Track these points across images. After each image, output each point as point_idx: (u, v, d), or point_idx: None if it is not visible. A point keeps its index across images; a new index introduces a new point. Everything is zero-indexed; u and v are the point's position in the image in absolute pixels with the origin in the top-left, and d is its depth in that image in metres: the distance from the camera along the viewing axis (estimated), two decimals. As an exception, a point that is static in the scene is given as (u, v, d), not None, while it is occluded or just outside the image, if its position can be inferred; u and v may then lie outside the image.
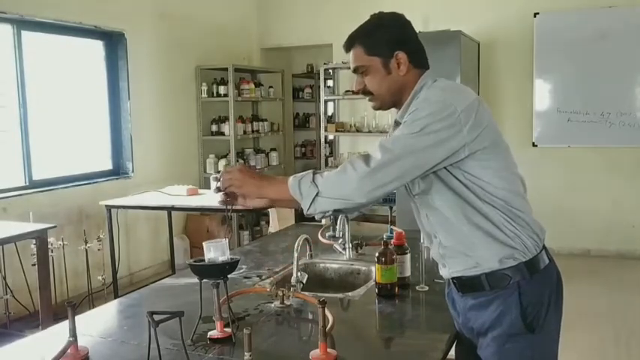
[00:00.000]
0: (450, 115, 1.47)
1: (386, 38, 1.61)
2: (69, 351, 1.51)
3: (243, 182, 1.60)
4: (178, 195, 4.63)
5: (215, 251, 1.62)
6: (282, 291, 1.92)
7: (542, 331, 1.56)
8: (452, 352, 1.66)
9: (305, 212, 1.53)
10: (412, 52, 1.62)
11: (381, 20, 1.65)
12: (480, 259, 1.57)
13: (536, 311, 1.55)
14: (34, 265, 3.62)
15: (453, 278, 1.65)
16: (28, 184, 4.46)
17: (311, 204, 1.50)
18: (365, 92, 1.66)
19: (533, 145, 5.95)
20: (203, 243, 1.64)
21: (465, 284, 1.62)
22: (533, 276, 1.55)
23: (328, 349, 1.48)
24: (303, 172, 1.55)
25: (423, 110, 1.49)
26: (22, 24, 4.39)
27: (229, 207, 1.66)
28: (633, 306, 4.45)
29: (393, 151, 1.48)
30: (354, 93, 1.69)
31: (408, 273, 2.07)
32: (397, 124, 1.62)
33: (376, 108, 1.69)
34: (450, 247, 1.62)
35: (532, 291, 1.56)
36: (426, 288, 2.05)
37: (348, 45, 1.65)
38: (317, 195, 1.50)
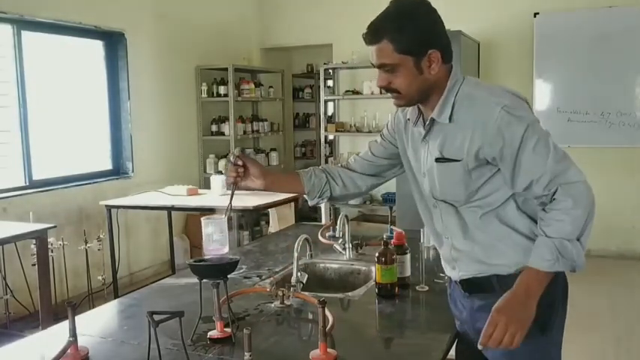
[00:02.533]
0: (529, 107, 1.50)
1: (418, 35, 1.47)
2: (69, 351, 1.51)
3: (520, 316, 1.41)
4: (178, 195, 4.63)
5: (213, 227, 1.62)
6: (282, 291, 1.92)
7: (551, 332, 1.55)
8: (452, 352, 1.66)
9: (581, 269, 1.43)
10: (444, 48, 1.50)
11: (411, 11, 1.48)
12: (497, 265, 1.55)
13: (548, 313, 1.54)
14: (34, 265, 3.62)
15: (461, 280, 1.63)
16: (28, 184, 4.46)
17: (583, 250, 1.42)
18: (389, 90, 1.53)
19: (534, 145, 5.94)
20: (202, 218, 1.62)
21: (474, 285, 1.60)
22: None
23: (328, 349, 1.48)
24: (542, 251, 1.41)
25: (522, 121, 1.43)
26: (22, 24, 4.39)
27: (233, 188, 1.70)
28: (634, 306, 4.45)
29: (568, 156, 1.46)
30: (380, 89, 1.57)
31: (408, 273, 2.06)
32: (433, 122, 1.54)
33: (401, 105, 1.61)
34: (466, 252, 1.59)
35: (544, 293, 1.53)
36: (426, 288, 2.05)
37: (374, 38, 1.49)
38: (579, 239, 1.41)
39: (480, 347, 1.43)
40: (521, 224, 1.53)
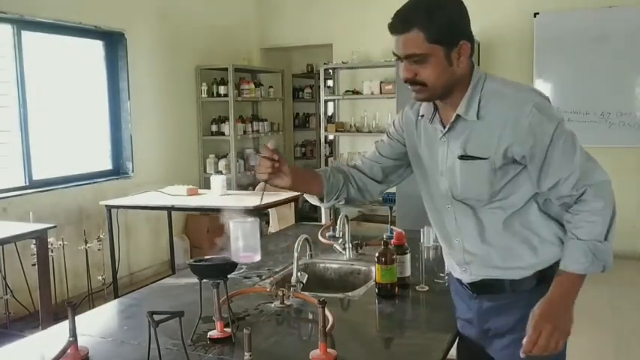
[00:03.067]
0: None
1: (450, 23, 1.42)
2: (69, 351, 1.51)
3: (563, 321, 1.42)
4: (178, 195, 4.63)
5: (244, 230, 1.42)
6: (282, 291, 1.92)
7: None
8: (452, 352, 1.66)
9: (609, 269, 1.44)
10: (471, 40, 1.46)
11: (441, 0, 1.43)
12: (513, 268, 1.53)
13: None
14: (34, 265, 3.62)
15: (471, 283, 1.60)
16: (28, 184, 4.46)
17: (611, 250, 1.43)
18: (414, 82, 1.45)
19: (534, 145, 5.94)
20: (230, 221, 1.46)
21: (484, 288, 1.58)
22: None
23: (328, 349, 1.48)
24: (575, 254, 1.41)
25: (552, 120, 1.43)
26: (22, 24, 4.39)
27: (266, 185, 1.58)
28: (635, 306, 4.45)
29: (592, 158, 1.46)
30: (405, 81, 1.47)
31: (408, 273, 2.06)
32: (458, 119, 1.48)
33: (421, 100, 1.52)
34: (480, 256, 1.55)
35: None
36: (426, 288, 2.05)
37: (403, 27, 1.41)
38: (606, 240, 1.42)
39: (522, 355, 1.41)
40: (544, 227, 1.51)
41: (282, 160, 1.55)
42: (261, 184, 1.60)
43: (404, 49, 1.42)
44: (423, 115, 1.60)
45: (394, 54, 1.46)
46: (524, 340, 1.41)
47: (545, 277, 1.51)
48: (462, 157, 1.49)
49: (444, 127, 1.52)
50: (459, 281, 1.66)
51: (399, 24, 1.41)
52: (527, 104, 1.41)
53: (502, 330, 1.56)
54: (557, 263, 1.50)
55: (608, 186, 1.43)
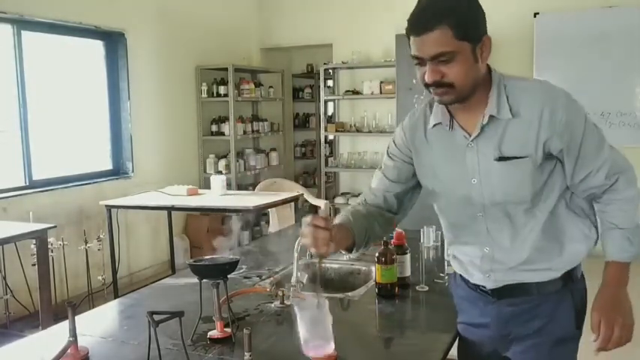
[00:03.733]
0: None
1: (476, 18, 1.36)
2: (69, 351, 1.51)
3: (628, 310, 1.46)
4: (178, 195, 4.63)
5: (312, 317, 1.25)
6: (282, 291, 1.92)
7: (581, 332, 1.54)
8: (452, 352, 1.65)
9: None
10: (488, 35, 1.39)
11: None
12: (541, 270, 1.49)
13: (583, 310, 1.54)
14: (34, 265, 3.62)
15: (493, 289, 1.53)
16: (28, 184, 4.46)
17: None
18: (440, 84, 1.37)
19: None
20: (295, 306, 1.28)
21: (507, 292, 1.52)
22: (579, 277, 1.55)
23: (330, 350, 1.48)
24: (620, 243, 1.45)
25: (581, 111, 1.43)
26: (22, 24, 4.39)
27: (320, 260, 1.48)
28: (634, 303, 4.44)
29: (617, 150, 1.48)
30: (426, 86, 1.39)
31: (408, 273, 2.06)
32: (492, 119, 1.41)
33: (448, 102, 1.42)
34: (507, 263, 1.49)
35: (580, 293, 1.54)
36: (426, 288, 2.05)
37: (428, 25, 1.32)
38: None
39: (597, 352, 1.43)
40: (571, 224, 1.49)
41: (331, 227, 1.42)
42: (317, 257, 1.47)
43: (431, 48, 1.33)
44: (437, 124, 1.50)
45: (415, 57, 1.37)
46: (598, 338, 1.42)
47: (571, 277, 1.51)
48: (500, 159, 1.41)
49: (468, 133, 1.45)
50: (476, 286, 1.58)
51: (423, 23, 1.32)
52: (559, 97, 1.39)
53: (524, 334, 1.52)
54: (581, 263, 1.52)
55: (634, 171, 1.46)
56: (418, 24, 1.34)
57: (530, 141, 1.39)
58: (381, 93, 6.21)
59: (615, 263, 1.46)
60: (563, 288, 1.50)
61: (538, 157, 1.40)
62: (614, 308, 1.43)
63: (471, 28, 1.35)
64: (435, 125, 1.52)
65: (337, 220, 1.56)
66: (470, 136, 1.45)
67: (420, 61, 1.37)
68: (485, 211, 1.48)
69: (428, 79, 1.37)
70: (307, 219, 1.42)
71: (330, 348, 1.21)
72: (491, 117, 1.41)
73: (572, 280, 1.51)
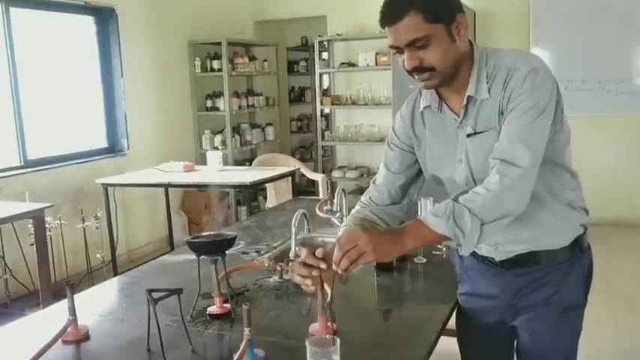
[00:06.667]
0: (554, 82, 1.38)
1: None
2: (69, 330, 1.51)
3: (378, 245, 1.31)
4: (175, 172, 4.62)
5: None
6: (281, 266, 1.92)
7: (587, 300, 1.56)
8: (451, 323, 1.67)
9: (467, 251, 1.34)
10: (463, 12, 1.40)
11: None
12: (546, 240, 1.48)
13: (590, 281, 1.54)
14: (32, 244, 3.62)
15: (502, 260, 1.53)
16: (23, 163, 4.43)
17: (479, 237, 1.31)
18: (421, 69, 1.38)
19: (530, 114, 5.92)
20: (307, 346, 1.23)
21: (517, 262, 1.51)
22: (586, 247, 1.54)
23: (327, 323, 1.48)
24: (443, 209, 1.32)
25: (542, 87, 1.34)
26: (10, 0, 4.31)
27: (330, 301, 1.42)
28: (630, 273, 4.49)
29: (536, 145, 1.33)
30: (409, 73, 1.39)
31: (406, 245, 2.06)
32: (470, 100, 1.42)
33: (433, 86, 1.43)
34: (511, 233, 1.46)
35: (587, 261, 1.55)
36: (424, 260, 2.06)
37: (399, 14, 1.33)
38: (482, 225, 1.30)
39: (334, 268, 1.32)
40: (561, 192, 1.48)
41: (327, 260, 1.37)
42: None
43: (404, 36, 1.34)
44: (426, 107, 1.51)
45: (392, 47, 1.39)
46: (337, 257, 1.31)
47: (579, 245, 1.51)
48: (468, 135, 1.43)
49: (457, 114, 1.46)
50: (484, 258, 1.57)
51: (393, 12, 1.34)
52: (525, 66, 1.35)
53: (532, 303, 1.53)
54: (586, 232, 1.51)
55: (519, 172, 1.31)
56: (389, 14, 1.36)
57: (494, 113, 1.40)
58: (376, 65, 6.15)
59: (418, 220, 1.36)
60: (572, 257, 1.50)
61: (499, 127, 1.39)
62: (373, 239, 1.31)
63: (442, 10, 1.35)
64: (425, 108, 1.53)
65: (343, 230, 1.54)
66: (459, 117, 1.46)
67: (398, 50, 1.39)
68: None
69: (407, 65, 1.38)
70: (302, 253, 1.44)
71: None
72: (469, 97, 1.42)
73: (580, 249, 1.51)
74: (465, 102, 1.43)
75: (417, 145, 1.58)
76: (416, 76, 1.41)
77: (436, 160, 1.54)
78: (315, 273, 1.39)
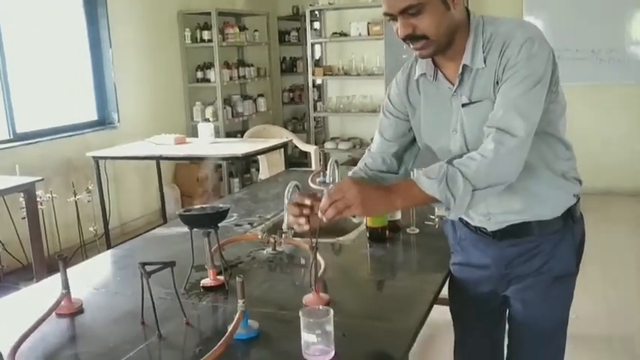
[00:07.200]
0: (550, 51, 1.36)
1: None
2: (63, 303, 1.51)
3: (366, 199, 1.31)
4: (166, 144, 4.59)
5: (312, 326, 1.22)
6: (274, 237, 1.92)
7: (578, 270, 1.57)
8: (444, 292, 1.68)
9: (456, 215, 1.35)
10: None
11: None
12: (539, 210, 1.48)
13: (582, 251, 1.55)
14: (24, 218, 3.61)
15: (494, 230, 1.53)
16: (12, 137, 4.39)
17: (469, 203, 1.31)
18: (414, 37, 1.36)
19: (523, 84, 5.90)
20: (300, 313, 1.23)
21: (509, 232, 1.52)
22: (579, 217, 1.55)
23: (321, 294, 1.50)
24: (437, 170, 1.32)
25: (538, 56, 1.32)
26: (-7, -30, 4.21)
27: (315, 240, 1.44)
28: (620, 241, 4.54)
29: (531, 115, 1.33)
30: (403, 41, 1.38)
31: (398, 216, 2.07)
32: (465, 69, 1.41)
33: (428, 55, 1.42)
34: (503, 203, 1.47)
35: (579, 231, 1.55)
36: (417, 230, 2.06)
37: None
38: (474, 191, 1.30)
39: (319, 215, 1.34)
40: (555, 162, 1.47)
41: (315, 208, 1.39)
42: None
43: (397, 3, 1.33)
44: (422, 75, 1.50)
45: (386, 14, 1.38)
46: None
47: (571, 215, 1.51)
48: (463, 105, 1.42)
49: (452, 83, 1.45)
50: (477, 228, 1.58)
51: None
52: (522, 35, 1.34)
53: (524, 273, 1.53)
54: (579, 201, 1.51)
55: (515, 142, 1.31)
56: None
57: (490, 82, 1.39)
58: (368, 34, 6.09)
59: (410, 181, 1.37)
60: (564, 227, 1.51)
61: (494, 97, 1.38)
62: (362, 192, 1.31)
63: None
64: (420, 76, 1.52)
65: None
66: (454, 86, 1.44)
67: (392, 17, 1.37)
68: None
69: (400, 33, 1.37)
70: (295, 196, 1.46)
71: (331, 354, 1.23)
72: (465, 66, 1.41)
73: (572, 219, 1.51)
74: (460, 71, 1.42)
75: (411, 113, 1.57)
76: (410, 45, 1.40)
77: (430, 129, 1.54)
78: (305, 212, 1.41)
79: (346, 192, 1.31)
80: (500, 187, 1.35)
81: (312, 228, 1.42)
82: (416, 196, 1.34)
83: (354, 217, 1.49)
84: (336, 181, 2.49)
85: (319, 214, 1.35)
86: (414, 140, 1.62)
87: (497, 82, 1.37)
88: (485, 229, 1.56)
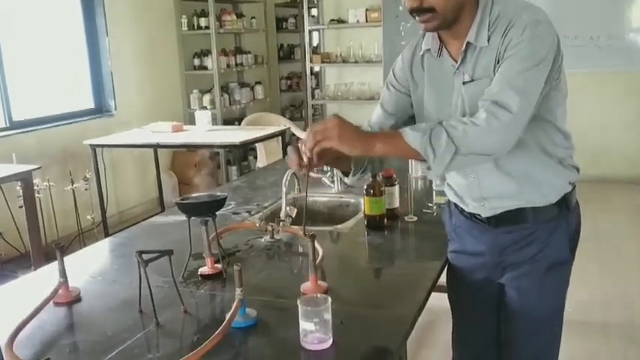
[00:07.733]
0: (555, 36, 1.36)
1: None
2: (60, 291, 1.51)
3: (344, 133, 1.31)
4: (163, 132, 4.57)
5: (309, 315, 1.22)
6: (272, 226, 1.92)
7: (574, 257, 1.57)
8: (442, 280, 1.68)
9: (435, 173, 1.34)
10: None
11: None
12: (534, 196, 1.48)
13: (577, 239, 1.55)
14: (21, 207, 3.60)
15: (489, 217, 1.53)
16: (8, 125, 4.37)
17: (449, 163, 1.29)
18: (421, 10, 1.37)
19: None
20: (298, 301, 1.24)
21: (504, 219, 1.52)
22: (574, 205, 1.54)
23: (319, 282, 1.49)
24: (424, 126, 1.33)
25: (541, 38, 1.33)
26: (-13, -44, 4.17)
27: (306, 173, 1.42)
28: (617, 228, 4.56)
29: (528, 93, 1.31)
30: (411, 13, 1.39)
31: (396, 204, 2.07)
32: (469, 46, 1.41)
33: (433, 28, 1.42)
34: (498, 188, 1.48)
35: (574, 219, 1.55)
36: (415, 218, 2.06)
37: None
38: (455, 153, 1.28)
39: (301, 149, 1.37)
40: (552, 149, 1.46)
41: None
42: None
43: None
44: (427, 50, 1.50)
45: None
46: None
47: (566, 203, 1.50)
48: (465, 83, 1.42)
49: (455, 60, 1.44)
50: (472, 215, 1.58)
51: None
52: (527, 17, 1.34)
53: (519, 260, 1.53)
54: (574, 189, 1.51)
55: (507, 116, 1.29)
56: None
57: (492, 61, 1.38)
58: (366, 21, 6.06)
59: (397, 132, 1.35)
60: (559, 215, 1.50)
61: (494, 75, 1.37)
62: (342, 126, 1.31)
63: None
64: (425, 52, 1.52)
65: None
66: (457, 63, 1.44)
67: None
68: None
69: (408, 5, 1.38)
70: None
71: (329, 342, 1.23)
72: (469, 44, 1.41)
73: (567, 207, 1.51)
74: (463, 48, 1.41)
75: (413, 88, 1.57)
76: (417, 17, 1.40)
77: (432, 106, 1.53)
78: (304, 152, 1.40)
79: (327, 123, 1.33)
80: (484, 158, 1.35)
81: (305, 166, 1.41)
82: (397, 144, 1.34)
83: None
84: (334, 169, 2.48)
85: (300, 146, 1.37)
86: (413, 117, 1.61)
87: (499, 61, 1.36)
88: (479, 215, 1.56)
